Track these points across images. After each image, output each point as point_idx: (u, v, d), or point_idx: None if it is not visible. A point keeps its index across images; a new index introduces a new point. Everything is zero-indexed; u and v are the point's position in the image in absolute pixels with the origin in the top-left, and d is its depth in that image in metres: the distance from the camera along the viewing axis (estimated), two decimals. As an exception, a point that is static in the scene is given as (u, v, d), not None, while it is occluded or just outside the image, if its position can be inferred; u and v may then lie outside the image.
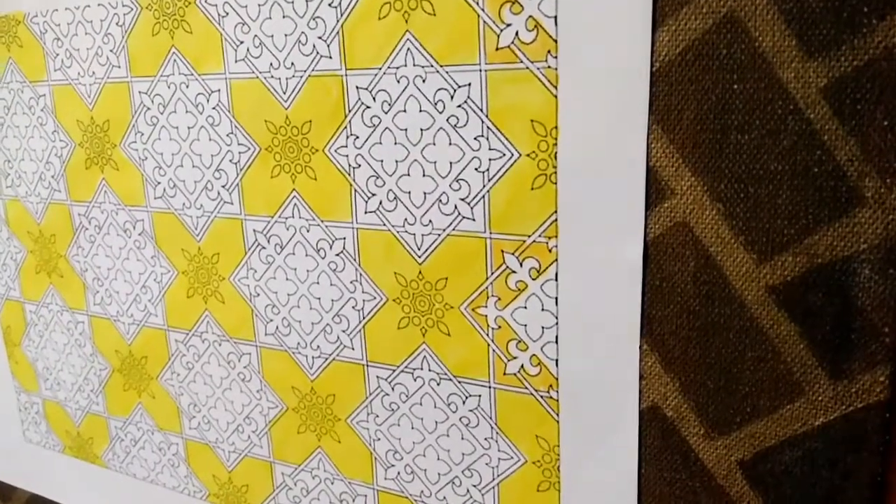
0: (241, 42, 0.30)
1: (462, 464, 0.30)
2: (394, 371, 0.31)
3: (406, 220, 0.29)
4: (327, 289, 0.31)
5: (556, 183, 0.25)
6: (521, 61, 0.25)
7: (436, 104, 0.27)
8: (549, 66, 0.24)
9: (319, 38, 0.28)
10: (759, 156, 0.22)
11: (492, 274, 0.27)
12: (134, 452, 0.41)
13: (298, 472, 0.35)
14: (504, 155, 0.26)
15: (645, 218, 0.24)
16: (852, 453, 0.23)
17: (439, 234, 0.28)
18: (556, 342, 0.27)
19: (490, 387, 0.28)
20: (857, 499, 0.23)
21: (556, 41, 0.24)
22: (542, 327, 0.27)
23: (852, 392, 0.22)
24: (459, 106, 0.26)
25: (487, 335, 0.28)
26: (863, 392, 0.22)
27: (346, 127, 0.29)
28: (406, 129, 0.28)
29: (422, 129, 0.27)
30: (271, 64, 0.30)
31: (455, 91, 0.26)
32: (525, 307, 0.27)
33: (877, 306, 0.21)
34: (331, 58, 0.28)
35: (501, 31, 0.25)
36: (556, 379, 0.27)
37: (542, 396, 0.27)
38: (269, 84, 0.30)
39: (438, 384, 0.29)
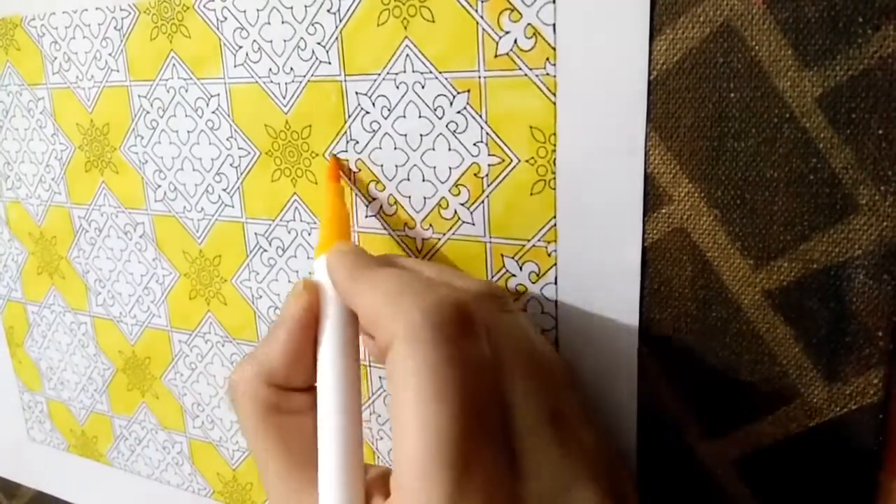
0: (241, 47, 0.31)
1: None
2: (395, 372, 0.31)
3: (406, 224, 0.29)
4: (329, 291, 0.32)
5: (555, 189, 0.25)
6: (520, 68, 0.25)
7: (435, 110, 0.27)
8: (547, 74, 0.24)
9: (318, 43, 0.29)
10: (755, 163, 0.22)
11: (492, 277, 0.28)
12: (138, 451, 0.42)
13: (302, 471, 0.36)
14: (503, 161, 0.26)
15: (643, 223, 0.24)
16: (845, 454, 0.23)
17: (440, 239, 0.28)
18: (556, 344, 0.27)
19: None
20: (849, 499, 0.23)
21: (554, 49, 0.24)
22: (542, 329, 0.27)
23: (846, 394, 0.23)
24: (459, 112, 0.26)
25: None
26: (857, 394, 0.23)
27: (345, 132, 0.29)
28: (406, 135, 0.28)
29: (421, 135, 0.27)
30: (270, 69, 0.30)
31: (454, 97, 0.26)
32: (525, 310, 0.27)
33: (871, 311, 0.22)
34: (330, 63, 0.29)
35: (500, 38, 0.25)
36: (556, 380, 0.27)
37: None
38: (269, 89, 0.30)
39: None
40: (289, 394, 0.24)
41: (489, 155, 0.26)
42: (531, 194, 0.26)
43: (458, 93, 0.26)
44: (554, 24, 0.24)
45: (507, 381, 0.21)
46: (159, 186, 0.35)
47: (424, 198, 0.28)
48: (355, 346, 0.24)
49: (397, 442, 0.19)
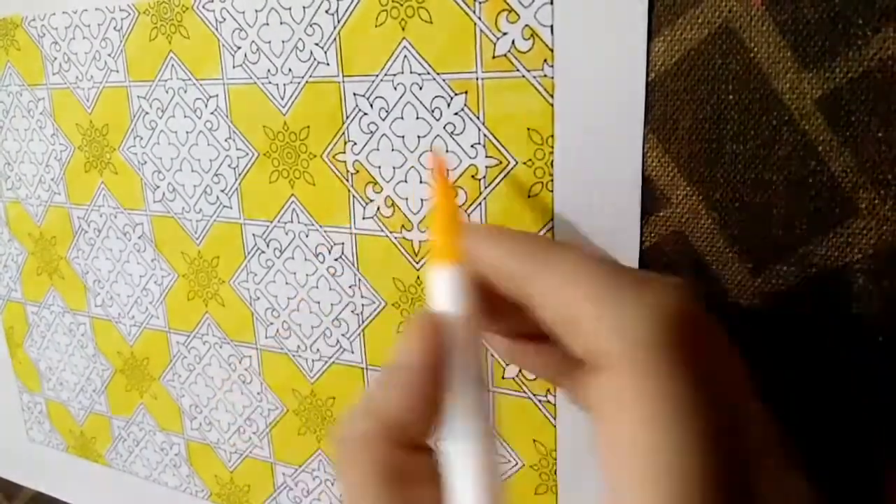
0: (239, 48, 0.30)
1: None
2: (393, 375, 0.31)
3: (403, 226, 0.29)
4: (326, 293, 0.32)
5: (552, 191, 0.25)
6: (518, 70, 0.25)
7: (433, 111, 0.27)
8: (545, 75, 0.24)
9: (316, 44, 0.28)
10: (754, 166, 0.22)
11: (489, 280, 0.27)
12: (137, 452, 0.42)
13: (299, 473, 0.36)
14: (501, 163, 0.26)
15: (641, 226, 0.24)
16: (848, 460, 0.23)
17: (437, 241, 0.28)
18: (554, 348, 0.27)
19: (490, 391, 0.29)
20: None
21: (552, 50, 0.24)
22: (540, 333, 0.27)
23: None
24: (456, 113, 0.26)
25: (485, 340, 0.28)
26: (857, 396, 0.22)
27: (343, 133, 0.29)
28: (403, 136, 0.28)
29: (419, 136, 0.27)
30: (269, 70, 0.30)
31: (452, 98, 0.26)
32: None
33: (871, 314, 0.22)
34: (328, 64, 0.28)
35: (498, 39, 0.25)
36: (556, 395, 0.27)
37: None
38: (267, 90, 0.30)
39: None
40: (413, 455, 0.19)
41: (486, 157, 0.26)
42: (528, 196, 0.26)
43: (456, 94, 0.26)
44: (552, 26, 0.24)
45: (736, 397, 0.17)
46: (158, 187, 0.35)
47: (422, 199, 0.28)
48: (487, 395, 0.20)
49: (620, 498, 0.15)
